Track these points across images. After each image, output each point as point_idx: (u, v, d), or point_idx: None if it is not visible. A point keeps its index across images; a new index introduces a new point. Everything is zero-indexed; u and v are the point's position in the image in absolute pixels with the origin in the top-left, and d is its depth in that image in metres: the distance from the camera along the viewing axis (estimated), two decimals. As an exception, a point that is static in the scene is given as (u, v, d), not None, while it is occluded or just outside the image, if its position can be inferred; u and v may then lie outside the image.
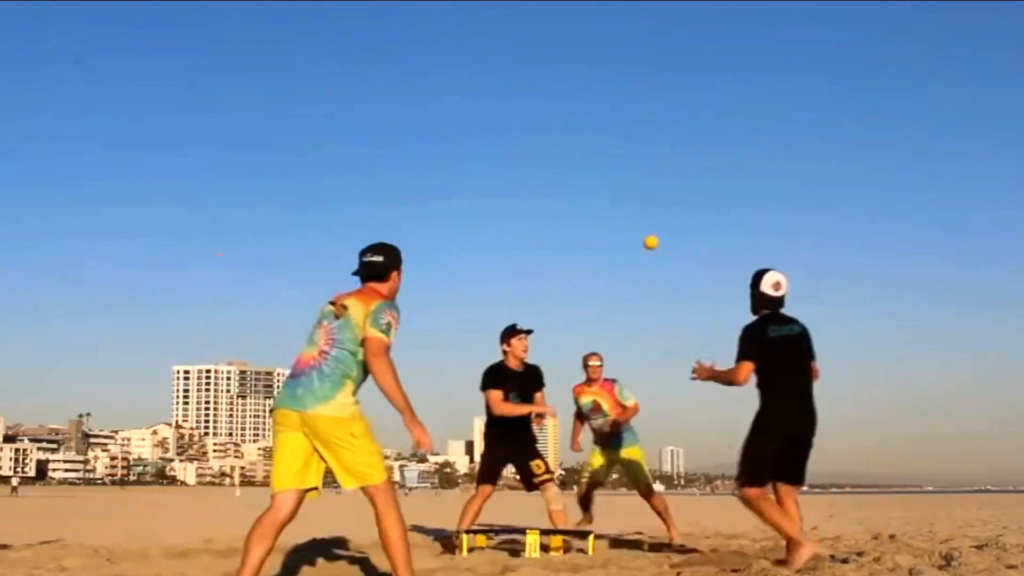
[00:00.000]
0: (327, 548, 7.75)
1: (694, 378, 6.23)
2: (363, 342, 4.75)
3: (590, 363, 8.66)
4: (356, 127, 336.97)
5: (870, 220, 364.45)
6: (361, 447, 4.79)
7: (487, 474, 7.91)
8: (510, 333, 7.76)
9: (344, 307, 4.83)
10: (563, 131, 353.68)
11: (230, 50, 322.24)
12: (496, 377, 7.71)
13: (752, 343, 5.99)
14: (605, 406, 8.63)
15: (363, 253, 5.01)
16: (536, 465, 7.79)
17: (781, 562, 5.90)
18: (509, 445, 7.81)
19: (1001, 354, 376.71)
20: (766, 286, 6.08)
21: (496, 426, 7.79)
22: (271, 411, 4.87)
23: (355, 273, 5.00)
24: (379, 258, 5.00)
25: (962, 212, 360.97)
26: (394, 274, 5.03)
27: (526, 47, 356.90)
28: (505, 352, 7.77)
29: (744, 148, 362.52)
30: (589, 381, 8.69)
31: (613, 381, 8.66)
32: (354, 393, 4.84)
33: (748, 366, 5.96)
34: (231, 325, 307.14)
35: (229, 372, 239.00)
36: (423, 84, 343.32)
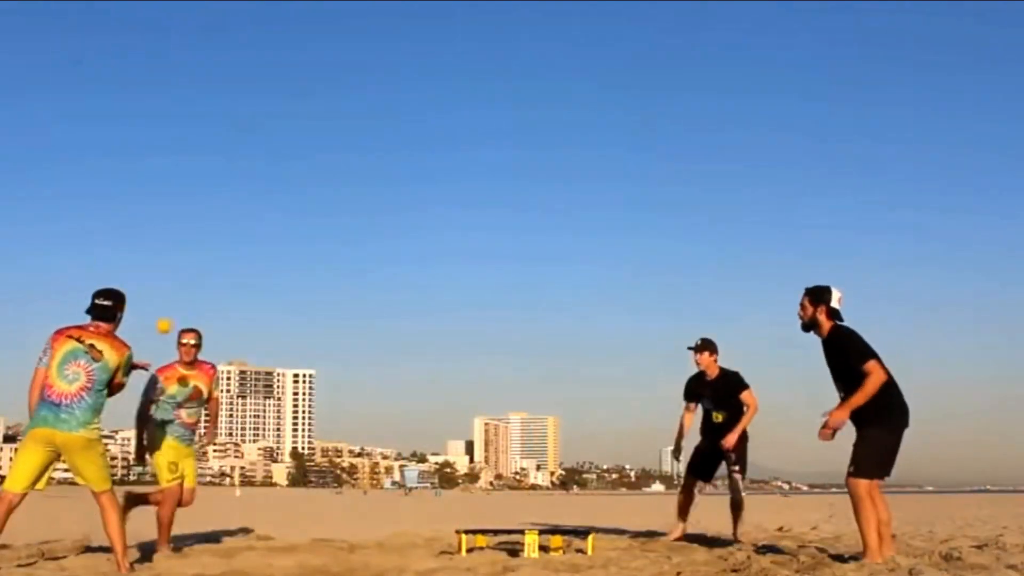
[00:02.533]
0: (328, 547, 7.75)
1: (830, 434, 6.25)
2: (112, 384, 6.23)
3: (184, 340, 7.37)
4: (356, 127, 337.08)
5: (870, 218, 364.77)
6: (100, 461, 6.24)
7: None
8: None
9: (100, 352, 6.15)
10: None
11: (230, 50, 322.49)
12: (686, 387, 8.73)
13: (866, 343, 6.32)
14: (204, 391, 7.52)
15: (95, 296, 6.27)
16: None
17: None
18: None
19: (1001, 354, 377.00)
20: (835, 301, 6.48)
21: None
22: (29, 429, 6.12)
23: (88, 312, 6.24)
24: (108, 303, 6.28)
25: (962, 213, 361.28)
26: (119, 316, 6.33)
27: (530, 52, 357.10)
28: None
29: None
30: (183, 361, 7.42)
31: (213, 365, 7.63)
32: (99, 419, 6.22)
33: (877, 363, 6.22)
34: (231, 325, 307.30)
35: (229, 372, 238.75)
36: (423, 89, 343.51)
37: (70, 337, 6.16)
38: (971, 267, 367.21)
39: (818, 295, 6.46)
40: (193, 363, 7.41)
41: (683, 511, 8.75)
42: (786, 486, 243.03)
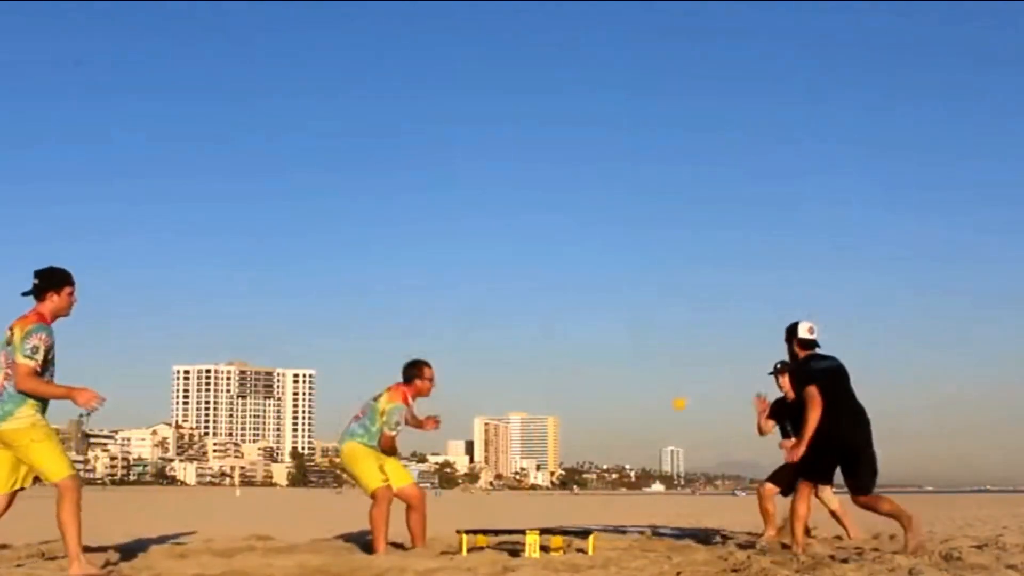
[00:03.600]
0: (328, 547, 7.75)
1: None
2: (15, 364, 5.80)
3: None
4: (356, 127, 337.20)
5: (870, 219, 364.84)
6: (42, 449, 5.85)
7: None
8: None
9: (11, 332, 5.87)
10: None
11: (232, 50, 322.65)
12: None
13: (812, 369, 7.11)
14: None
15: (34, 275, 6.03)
16: None
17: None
18: None
19: (1002, 353, 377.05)
20: (804, 331, 7.21)
21: None
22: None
23: (25, 293, 6.01)
24: (36, 281, 6.01)
25: (961, 211, 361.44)
26: (50, 294, 6.00)
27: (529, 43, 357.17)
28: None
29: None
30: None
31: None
32: (34, 406, 5.87)
33: (816, 389, 6.95)
34: (231, 325, 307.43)
35: (229, 372, 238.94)
36: (423, 79, 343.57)
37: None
38: (971, 268, 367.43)
39: (789, 332, 7.29)
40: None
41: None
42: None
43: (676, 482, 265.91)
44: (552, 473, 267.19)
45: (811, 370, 7.07)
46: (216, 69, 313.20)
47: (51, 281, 6.05)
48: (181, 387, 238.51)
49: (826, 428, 6.90)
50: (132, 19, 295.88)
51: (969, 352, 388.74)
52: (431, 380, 7.55)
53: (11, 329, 5.91)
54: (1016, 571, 5.76)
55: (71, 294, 6.11)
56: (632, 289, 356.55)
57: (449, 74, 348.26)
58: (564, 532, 7.71)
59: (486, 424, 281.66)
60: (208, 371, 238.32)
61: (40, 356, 5.83)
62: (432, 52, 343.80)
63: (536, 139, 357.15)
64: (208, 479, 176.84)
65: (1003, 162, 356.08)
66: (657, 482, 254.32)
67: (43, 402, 5.95)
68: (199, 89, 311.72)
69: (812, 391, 6.93)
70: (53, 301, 6.03)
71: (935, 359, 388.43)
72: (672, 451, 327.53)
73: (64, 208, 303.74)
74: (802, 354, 7.22)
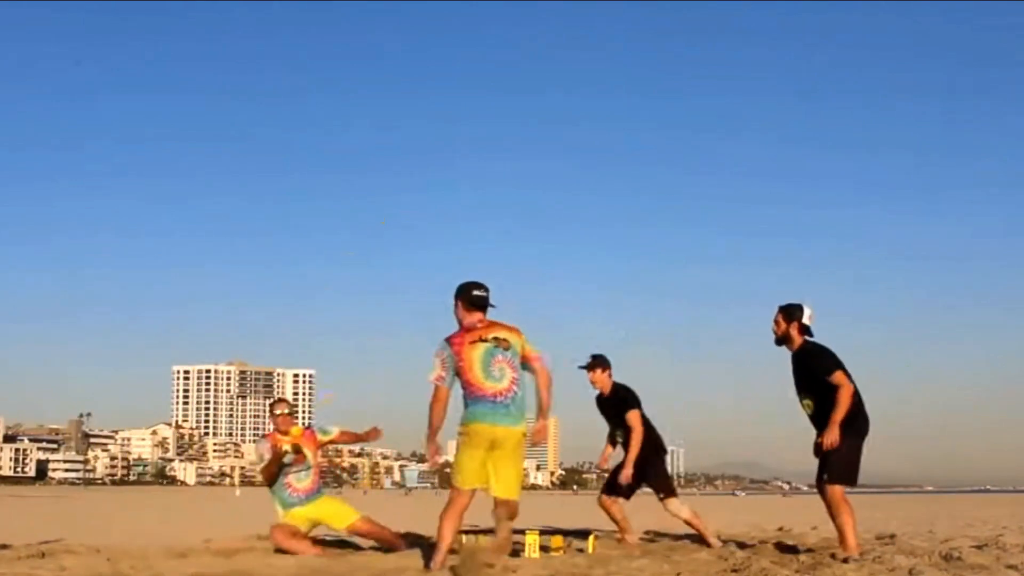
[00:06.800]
0: (328, 547, 7.74)
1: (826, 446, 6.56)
2: (527, 359, 6.06)
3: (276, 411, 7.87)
4: (358, 127, 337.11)
5: (870, 219, 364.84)
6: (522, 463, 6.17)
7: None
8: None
9: (503, 339, 6.01)
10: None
11: (232, 50, 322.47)
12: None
13: (835, 356, 6.70)
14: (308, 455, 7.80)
15: (474, 287, 6.10)
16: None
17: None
18: None
19: (1002, 354, 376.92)
20: (806, 318, 6.85)
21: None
22: (469, 425, 5.90)
23: (477, 307, 6.06)
24: (486, 293, 6.10)
25: (961, 211, 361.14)
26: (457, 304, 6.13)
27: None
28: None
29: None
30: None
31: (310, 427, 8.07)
32: None
33: (844, 375, 6.61)
34: (231, 325, 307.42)
35: (229, 372, 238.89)
36: (419, 79, 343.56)
37: (473, 341, 5.99)
38: (971, 268, 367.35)
39: (791, 312, 6.89)
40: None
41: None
42: (786, 486, 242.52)
43: (676, 482, 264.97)
44: (552, 473, 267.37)
45: (836, 356, 6.71)
46: (216, 69, 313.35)
47: (456, 293, 6.20)
48: (181, 387, 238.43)
49: (862, 418, 6.65)
50: (132, 19, 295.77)
51: (969, 352, 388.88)
52: (278, 415, 7.76)
53: (500, 337, 6.00)
54: (1016, 571, 5.76)
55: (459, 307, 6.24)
56: (632, 289, 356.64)
57: (450, 74, 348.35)
58: (564, 532, 7.71)
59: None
60: (208, 371, 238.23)
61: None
62: (432, 52, 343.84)
63: (536, 139, 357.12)
64: (208, 479, 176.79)
65: (1003, 162, 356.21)
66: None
67: None
68: (199, 89, 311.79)
69: (842, 377, 6.58)
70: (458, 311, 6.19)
71: (935, 359, 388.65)
72: (672, 451, 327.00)
73: (64, 208, 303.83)
74: (799, 338, 6.85)
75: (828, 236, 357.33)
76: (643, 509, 9.05)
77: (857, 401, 6.63)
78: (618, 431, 8.10)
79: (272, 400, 8.27)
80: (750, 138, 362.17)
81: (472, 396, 5.96)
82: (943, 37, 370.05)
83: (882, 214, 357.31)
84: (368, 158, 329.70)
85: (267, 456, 7.61)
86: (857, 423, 6.63)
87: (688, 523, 7.95)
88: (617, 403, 8.03)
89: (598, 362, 8.10)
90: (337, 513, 7.77)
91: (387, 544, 7.56)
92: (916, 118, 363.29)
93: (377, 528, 7.70)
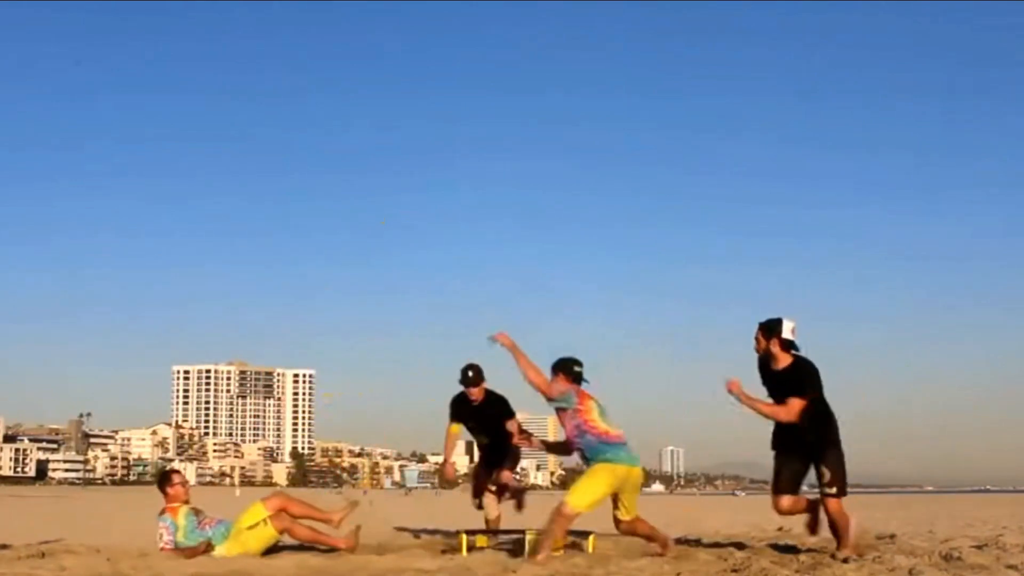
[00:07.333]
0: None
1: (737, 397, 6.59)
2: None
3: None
4: (358, 127, 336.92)
5: (870, 219, 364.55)
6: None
7: None
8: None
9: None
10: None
11: (233, 48, 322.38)
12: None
13: (819, 381, 6.68)
14: None
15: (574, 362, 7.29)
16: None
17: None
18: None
19: (1002, 354, 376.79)
20: (787, 332, 6.66)
21: None
22: (618, 464, 6.80)
23: (579, 379, 7.13)
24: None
25: (961, 211, 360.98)
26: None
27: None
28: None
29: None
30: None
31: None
32: None
33: (801, 403, 6.57)
34: (231, 325, 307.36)
35: (229, 372, 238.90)
36: (420, 79, 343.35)
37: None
38: (971, 268, 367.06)
39: (770, 329, 6.71)
40: None
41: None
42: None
43: (676, 482, 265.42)
44: (552, 473, 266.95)
45: (820, 381, 6.67)
46: (216, 69, 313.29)
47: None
48: (181, 387, 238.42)
49: (837, 431, 6.77)
50: (132, 19, 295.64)
51: (969, 352, 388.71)
52: (181, 485, 7.57)
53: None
54: (1016, 571, 5.76)
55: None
56: (632, 289, 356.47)
57: (449, 74, 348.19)
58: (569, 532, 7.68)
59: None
60: (208, 371, 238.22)
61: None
62: (432, 52, 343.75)
63: (536, 139, 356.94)
64: (208, 479, 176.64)
65: (1003, 162, 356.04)
66: (657, 482, 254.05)
67: None
68: (199, 89, 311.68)
69: (798, 404, 6.53)
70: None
71: (935, 359, 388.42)
72: (672, 451, 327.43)
73: (64, 208, 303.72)
74: (781, 355, 6.66)
75: (828, 236, 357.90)
76: (643, 510, 9.02)
77: (828, 411, 6.72)
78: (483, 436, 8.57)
79: (165, 473, 7.85)
80: (750, 138, 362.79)
81: None
82: (943, 37, 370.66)
83: (882, 214, 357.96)
84: (368, 158, 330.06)
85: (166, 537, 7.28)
86: (838, 435, 6.74)
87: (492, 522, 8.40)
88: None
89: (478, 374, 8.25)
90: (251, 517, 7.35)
91: (313, 542, 7.44)
92: (916, 118, 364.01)
93: (299, 527, 7.40)
